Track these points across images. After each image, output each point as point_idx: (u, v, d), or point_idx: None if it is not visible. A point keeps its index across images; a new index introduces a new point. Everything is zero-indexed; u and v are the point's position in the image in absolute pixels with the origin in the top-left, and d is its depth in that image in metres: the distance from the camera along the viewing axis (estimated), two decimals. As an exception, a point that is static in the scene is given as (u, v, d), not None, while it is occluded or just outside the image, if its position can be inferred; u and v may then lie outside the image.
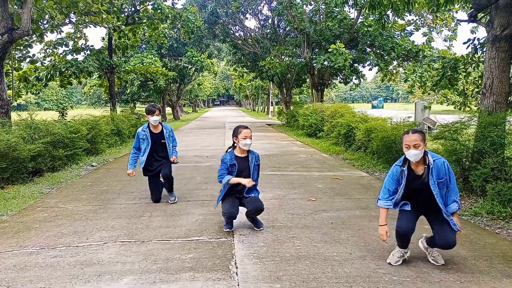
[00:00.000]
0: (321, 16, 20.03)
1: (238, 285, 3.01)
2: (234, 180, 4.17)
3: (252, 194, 4.31)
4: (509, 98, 7.23)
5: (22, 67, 14.21)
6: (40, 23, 13.02)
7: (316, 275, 3.16)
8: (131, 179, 7.07)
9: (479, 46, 8.55)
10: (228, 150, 4.34)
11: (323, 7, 18.87)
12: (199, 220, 4.70)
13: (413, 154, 3.15)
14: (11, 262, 3.49)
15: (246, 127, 4.22)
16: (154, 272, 3.23)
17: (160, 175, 5.52)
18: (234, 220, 4.37)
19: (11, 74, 11.43)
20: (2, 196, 5.89)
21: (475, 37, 8.51)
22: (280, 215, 4.86)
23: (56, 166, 8.13)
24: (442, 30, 19.93)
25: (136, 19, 16.83)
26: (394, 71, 21.86)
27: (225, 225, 4.30)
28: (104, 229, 4.38)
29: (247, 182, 4.12)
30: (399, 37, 20.01)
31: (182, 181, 6.96)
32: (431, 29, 20.50)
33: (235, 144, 4.27)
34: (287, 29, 23.57)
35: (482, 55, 8.89)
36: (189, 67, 28.98)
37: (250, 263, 3.41)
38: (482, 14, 8.00)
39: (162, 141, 5.49)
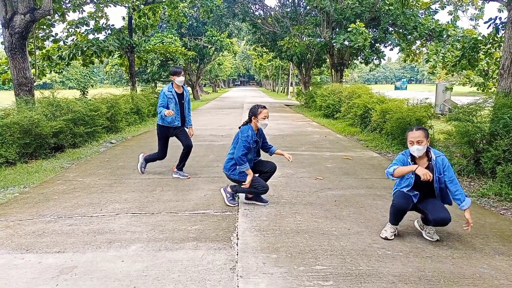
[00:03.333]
0: (342, -6, 19.61)
1: (237, 254, 3.19)
2: (249, 178, 4.27)
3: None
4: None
5: (45, 46, 14.60)
6: (62, 2, 13.29)
7: (312, 247, 3.30)
8: (146, 156, 7.33)
9: (500, 26, 8.30)
10: (246, 124, 4.43)
11: (344, -16, 18.45)
12: (208, 195, 4.90)
13: (416, 149, 3.31)
14: (30, 229, 3.77)
15: (265, 107, 4.37)
16: (160, 241, 3.45)
17: (183, 145, 5.78)
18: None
19: (34, 53, 11.78)
20: (26, 170, 6.24)
21: (496, 17, 8.26)
22: (286, 193, 5.01)
23: (77, 143, 8.47)
24: (468, 9, 19.23)
25: (156, -2, 16.92)
26: (417, 51, 21.33)
27: (231, 200, 4.50)
28: (117, 201, 4.63)
29: (249, 180, 4.28)
30: (423, 16, 19.43)
31: (195, 159, 7.17)
32: (457, 7, 19.81)
33: (251, 121, 4.40)
34: (307, 8, 23.19)
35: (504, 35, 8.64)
36: (209, 46, 29.03)
37: (251, 235, 3.58)
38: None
39: (182, 101, 5.78)
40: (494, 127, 5.92)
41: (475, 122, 6.36)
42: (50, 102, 8.64)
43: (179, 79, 5.63)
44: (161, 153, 5.92)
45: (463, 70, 10.92)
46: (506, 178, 5.23)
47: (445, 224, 3.32)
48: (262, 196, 4.55)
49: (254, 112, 4.34)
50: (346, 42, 17.45)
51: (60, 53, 14.39)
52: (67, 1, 13.61)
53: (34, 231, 3.70)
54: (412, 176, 3.36)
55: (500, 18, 8.19)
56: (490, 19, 8.26)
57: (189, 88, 6.17)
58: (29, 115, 7.15)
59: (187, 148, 5.78)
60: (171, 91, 5.65)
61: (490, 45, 9.40)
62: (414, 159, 3.43)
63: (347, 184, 5.47)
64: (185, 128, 5.92)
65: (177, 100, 5.68)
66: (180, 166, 5.91)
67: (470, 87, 14.09)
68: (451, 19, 19.69)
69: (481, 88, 11.97)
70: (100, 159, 7.33)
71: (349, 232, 3.67)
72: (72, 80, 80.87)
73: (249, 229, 3.74)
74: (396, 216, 3.44)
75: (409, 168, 3.29)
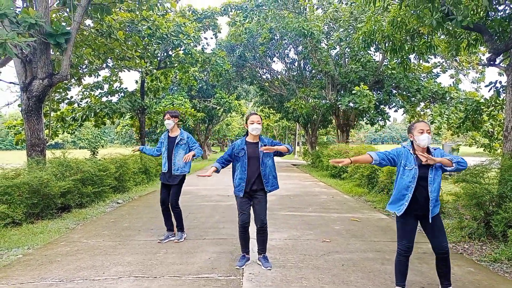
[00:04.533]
0: (346, 59, 20.49)
1: (241, 323, 3.07)
2: (205, 173, 4.34)
3: (268, 189, 4.46)
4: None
5: (60, 108, 15.19)
6: (79, 68, 14.03)
7: (319, 316, 3.17)
8: (152, 217, 7.31)
9: (501, 89, 8.52)
10: (241, 137, 4.59)
11: (347, 50, 19.32)
12: (212, 258, 4.80)
13: (426, 137, 3.39)
14: (31, 292, 3.70)
15: (255, 114, 4.49)
16: (162, 307, 3.34)
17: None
18: (248, 254, 4.56)
19: (49, 115, 12.23)
20: (31, 230, 6.22)
21: (496, 80, 8.50)
22: (292, 256, 4.89)
23: (84, 203, 8.49)
24: (469, 72, 19.85)
25: (168, 63, 17.77)
26: (422, 113, 21.73)
27: (238, 261, 4.44)
28: (120, 264, 4.56)
29: (210, 172, 4.34)
30: (425, 79, 20.06)
31: (201, 220, 7.11)
32: (458, 71, 20.48)
33: (248, 131, 4.48)
34: (312, 71, 24.13)
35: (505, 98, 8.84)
36: (218, 108, 29.88)
37: (256, 302, 3.47)
38: (502, 58, 8.06)
39: (172, 146, 5.60)
40: (503, 189, 5.86)
41: (483, 184, 6.31)
42: (61, 162, 8.81)
43: (165, 123, 5.64)
44: (160, 196, 5.76)
45: (468, 131, 11.03)
46: (518, 242, 5.09)
47: (445, 253, 3.42)
48: (268, 259, 4.49)
49: (246, 119, 4.49)
50: (351, 104, 17.93)
51: (73, 115, 14.91)
52: (84, 67, 14.35)
53: (34, 295, 3.62)
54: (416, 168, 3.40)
55: (501, 82, 8.42)
56: (491, 82, 8.50)
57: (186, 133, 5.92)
58: (39, 175, 7.26)
59: (171, 207, 5.64)
60: (164, 135, 5.74)
61: (493, 107, 9.58)
62: (414, 152, 3.49)
63: (355, 247, 5.35)
64: (177, 176, 5.61)
65: (167, 144, 5.64)
66: (177, 227, 5.76)
67: (477, 147, 14.15)
68: (453, 82, 20.29)
69: (487, 149, 12.01)
70: (106, 219, 7.31)
71: (357, 299, 3.54)
72: (83, 140, 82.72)
73: (253, 295, 3.62)
74: (405, 259, 3.46)
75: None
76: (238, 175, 4.45)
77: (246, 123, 4.49)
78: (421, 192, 3.40)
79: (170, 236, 5.72)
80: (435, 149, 3.53)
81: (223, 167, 4.54)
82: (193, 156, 5.45)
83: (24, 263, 4.61)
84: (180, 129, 5.77)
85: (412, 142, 3.54)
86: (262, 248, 4.56)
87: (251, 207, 4.52)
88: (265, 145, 4.39)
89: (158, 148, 5.83)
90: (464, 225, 6.15)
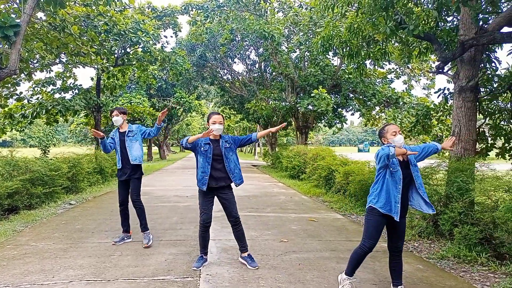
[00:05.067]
0: (306, 63, 20.87)
1: (197, 324, 3.04)
2: (193, 137, 4.30)
3: (237, 183, 4.48)
4: (477, 145, 7.59)
5: (8, 104, 14.36)
6: (29, 62, 13.33)
7: (275, 315, 3.21)
8: (106, 218, 7.09)
9: (449, 96, 9.00)
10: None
11: (307, 54, 19.68)
12: (169, 259, 4.72)
13: (401, 138, 3.58)
14: (-28, 299, 3.47)
15: (218, 113, 4.48)
16: (115, 311, 3.24)
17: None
18: (206, 255, 4.54)
19: (-4, 111, 11.54)
20: (-27, 233, 5.83)
21: (445, 87, 8.98)
22: (250, 256, 4.91)
23: (33, 204, 8.07)
24: (420, 79, 20.84)
25: (126, 60, 17.31)
26: (377, 117, 22.56)
27: (196, 262, 4.42)
28: (71, 267, 4.38)
29: (207, 132, 4.25)
30: (380, 84, 20.84)
31: (158, 221, 6.97)
32: (411, 77, 21.46)
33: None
34: (273, 73, 24.38)
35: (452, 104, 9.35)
36: (177, 107, 29.46)
37: (212, 303, 3.45)
38: (450, 66, 8.52)
39: (123, 139, 5.46)
40: (449, 190, 6.20)
41: (432, 185, 6.65)
42: (8, 161, 8.33)
43: (113, 119, 5.49)
44: (119, 197, 5.57)
45: (419, 135, 11.57)
46: (463, 240, 5.39)
47: (399, 251, 3.70)
48: (253, 258, 4.58)
49: (208, 118, 4.50)
50: (310, 107, 18.27)
51: (23, 112, 14.16)
52: (35, 61, 13.66)
53: (-25, 303, 3.40)
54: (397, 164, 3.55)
55: (449, 89, 8.90)
56: (440, 89, 8.96)
57: (134, 127, 5.69)
58: (-17, 174, 6.84)
59: (132, 203, 5.48)
60: (115, 132, 5.56)
61: (441, 113, 10.10)
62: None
63: (311, 247, 5.45)
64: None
65: (119, 140, 5.47)
66: (140, 227, 5.58)
67: (427, 150, 14.89)
68: (406, 88, 21.22)
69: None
70: (56, 221, 6.99)
71: (312, 297, 3.62)
72: (34, 138, 78.63)
73: (210, 296, 3.60)
74: (359, 260, 3.62)
75: (403, 150, 3.48)
76: (201, 169, 4.40)
77: (208, 122, 4.46)
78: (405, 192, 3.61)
79: (125, 238, 5.56)
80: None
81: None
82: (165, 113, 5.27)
83: (-36, 269, 4.31)
84: (128, 124, 5.64)
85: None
86: (242, 245, 4.58)
87: (222, 206, 4.53)
88: (226, 141, 4.49)
89: (111, 145, 5.55)
90: (414, 224, 6.45)
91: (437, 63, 7.93)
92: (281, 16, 20.82)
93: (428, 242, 5.95)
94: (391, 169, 3.54)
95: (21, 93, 14.36)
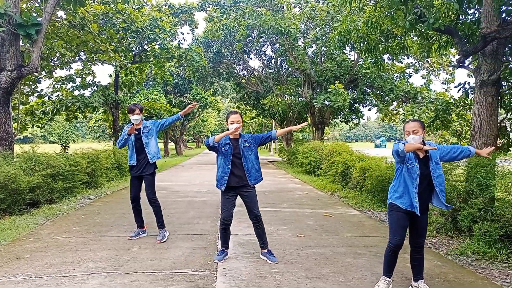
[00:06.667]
0: (322, 58, 20.72)
1: (214, 317, 3.08)
2: (219, 136, 4.32)
3: (251, 183, 4.47)
4: (498, 141, 7.42)
5: (29, 101, 14.71)
6: (50, 60, 13.61)
7: (291, 309, 3.22)
8: (124, 213, 7.21)
9: (469, 90, 8.81)
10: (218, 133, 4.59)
11: (324, 49, 19.53)
12: (186, 253, 4.78)
13: (411, 139, 3.48)
14: (-3, 289, 3.59)
15: (236, 112, 4.49)
16: (134, 303, 3.31)
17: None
18: (227, 249, 4.60)
19: (18, 108, 11.82)
20: (-2, 226, 6.01)
21: (465, 82, 8.79)
22: (266, 251, 4.93)
23: (54, 198, 8.27)
24: (440, 74, 20.45)
25: (143, 57, 17.49)
26: (394, 112, 22.25)
27: (218, 255, 4.50)
28: (92, 260, 4.47)
29: (232, 130, 4.33)
30: (398, 79, 20.54)
31: (175, 215, 7.06)
32: (430, 72, 21.07)
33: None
34: (289, 69, 24.28)
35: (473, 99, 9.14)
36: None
37: (229, 296, 3.48)
38: (471, 60, 8.34)
39: (139, 136, 5.43)
40: (469, 186, 6.09)
41: (451, 181, 6.54)
42: (30, 156, 8.53)
43: (133, 118, 5.40)
44: (130, 194, 5.61)
45: (438, 130, 11.37)
46: (483, 236, 5.30)
47: (421, 248, 3.66)
48: (273, 253, 4.61)
49: (226, 117, 4.51)
50: (326, 102, 18.15)
51: (44, 108, 14.48)
52: (55, 59, 13.93)
53: (1, 293, 3.52)
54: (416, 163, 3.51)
55: (469, 83, 8.71)
56: (460, 83, 8.78)
57: (148, 122, 5.70)
58: (6, 170, 7.02)
59: (149, 202, 5.51)
60: (127, 128, 5.48)
61: (462, 108, 9.90)
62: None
63: (327, 242, 5.44)
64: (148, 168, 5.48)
65: (134, 137, 5.42)
66: (157, 224, 5.62)
67: (446, 146, 14.61)
68: (425, 82, 20.85)
69: (456, 148, 12.41)
70: (76, 215, 7.14)
71: (329, 292, 3.61)
72: (53, 135, 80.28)
73: (227, 290, 3.64)
74: (394, 254, 3.58)
75: (417, 146, 3.35)
76: (221, 169, 4.44)
77: (227, 121, 4.48)
78: (423, 183, 3.54)
79: (141, 233, 5.64)
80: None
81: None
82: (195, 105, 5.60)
83: (-10, 260, 4.46)
84: (142, 121, 5.59)
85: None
86: (262, 242, 4.61)
87: (244, 204, 4.56)
88: (245, 140, 4.50)
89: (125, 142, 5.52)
90: (433, 220, 6.36)
91: (457, 57, 7.77)
92: (297, 11, 20.70)
93: (447, 239, 5.86)
94: (407, 164, 3.52)
95: (42, 90, 14.69)
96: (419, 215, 3.48)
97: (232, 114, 4.46)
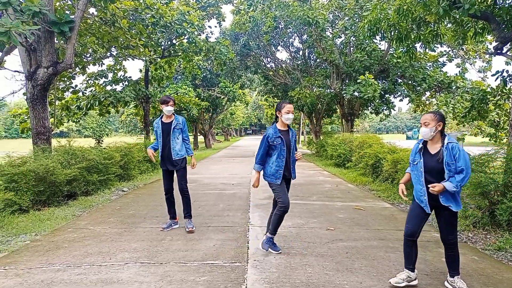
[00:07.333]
0: (351, 48, 20.31)
1: (245, 308, 3.11)
2: (253, 179, 4.50)
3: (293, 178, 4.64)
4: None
5: (65, 96, 15.23)
6: (83, 56, 14.02)
7: (323, 302, 3.21)
8: (157, 204, 7.38)
9: (508, 78, 8.43)
10: (271, 126, 4.56)
11: (353, 39, 19.12)
12: (217, 245, 4.85)
13: (422, 131, 3.43)
14: (39, 277, 3.76)
15: (290, 102, 4.46)
16: (168, 292, 3.39)
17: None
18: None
19: (54, 103, 12.27)
20: (38, 217, 6.30)
21: (503, 69, 8.41)
22: (296, 243, 4.93)
23: (89, 190, 8.57)
24: (476, 62, 19.63)
25: (172, 52, 17.71)
26: (427, 102, 21.57)
27: (265, 243, 4.53)
28: (126, 250, 4.62)
29: (255, 182, 4.51)
30: (431, 68, 19.86)
31: (205, 208, 7.17)
32: (465, 60, 20.26)
33: (277, 119, 4.49)
34: (317, 60, 23.96)
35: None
36: (222, 97, 29.84)
37: (260, 288, 3.51)
38: (509, 47, 7.95)
39: (168, 131, 5.52)
40: (508, 179, 5.85)
41: (488, 173, 6.29)
42: (66, 150, 8.87)
43: (167, 109, 5.48)
44: (164, 186, 5.77)
45: (474, 121, 10.96)
46: (523, 231, 5.09)
47: (451, 244, 3.49)
48: (275, 243, 4.56)
49: (278, 107, 4.45)
50: (356, 93, 17.79)
51: (78, 104, 14.95)
52: (88, 55, 14.34)
53: (43, 280, 3.69)
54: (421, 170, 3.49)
55: (508, 71, 8.33)
56: (498, 72, 8.41)
57: (181, 118, 5.78)
58: (45, 163, 7.32)
59: (180, 193, 5.64)
60: (157, 123, 5.62)
61: (499, 97, 9.50)
62: (425, 145, 3.55)
63: (359, 235, 5.37)
64: (176, 160, 5.56)
65: (161, 130, 5.55)
66: (185, 214, 5.74)
67: (482, 137, 14.06)
68: (460, 71, 20.08)
69: (493, 139, 11.94)
70: (111, 207, 7.38)
71: (361, 286, 3.57)
72: (88, 129, 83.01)
73: (258, 281, 3.66)
74: (408, 250, 3.52)
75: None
76: (275, 162, 4.41)
77: (280, 111, 4.42)
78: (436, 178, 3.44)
79: (173, 225, 5.76)
80: (449, 142, 3.41)
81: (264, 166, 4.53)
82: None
83: (32, 249, 4.68)
84: (174, 115, 5.68)
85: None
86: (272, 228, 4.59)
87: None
88: (293, 134, 4.60)
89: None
90: (469, 214, 6.15)
91: (495, 43, 7.44)
92: (325, 1, 20.34)
93: (484, 233, 5.66)
94: (413, 163, 3.62)
95: (76, 86, 15.18)
96: (428, 212, 3.46)
97: (288, 104, 4.40)
